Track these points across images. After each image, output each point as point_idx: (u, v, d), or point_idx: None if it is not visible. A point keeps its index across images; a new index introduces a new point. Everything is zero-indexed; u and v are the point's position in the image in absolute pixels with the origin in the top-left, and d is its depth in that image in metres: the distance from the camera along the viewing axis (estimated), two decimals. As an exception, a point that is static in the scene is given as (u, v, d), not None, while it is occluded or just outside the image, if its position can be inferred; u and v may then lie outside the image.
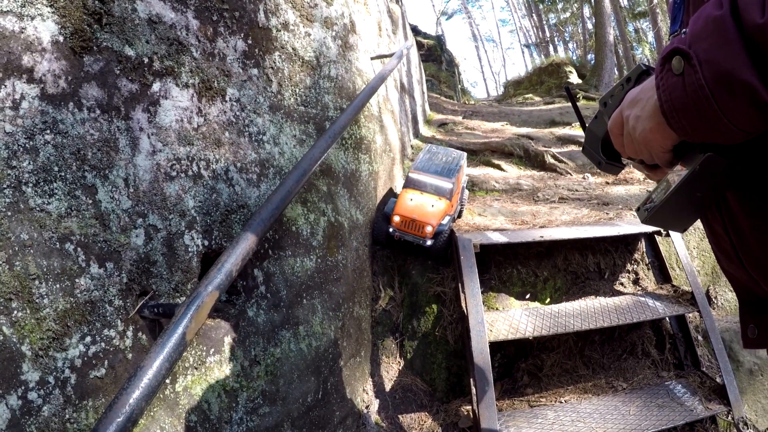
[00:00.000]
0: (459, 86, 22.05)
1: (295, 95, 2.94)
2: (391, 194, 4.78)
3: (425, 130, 9.52)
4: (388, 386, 3.64)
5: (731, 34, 0.79)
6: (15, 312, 1.38)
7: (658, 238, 4.22)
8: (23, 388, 1.37)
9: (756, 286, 1.08)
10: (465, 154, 4.77)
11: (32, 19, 1.57)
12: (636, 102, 1.04)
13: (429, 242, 3.85)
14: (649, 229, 4.03)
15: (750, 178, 0.99)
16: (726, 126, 0.83)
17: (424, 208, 3.93)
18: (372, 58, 4.53)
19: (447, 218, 3.99)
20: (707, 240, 1.25)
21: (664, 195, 1.08)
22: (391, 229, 3.93)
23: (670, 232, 4.01)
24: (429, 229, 3.82)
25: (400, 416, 3.47)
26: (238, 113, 2.44)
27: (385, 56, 4.75)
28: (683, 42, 0.87)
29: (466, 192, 5.06)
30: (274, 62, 2.78)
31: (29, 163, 1.49)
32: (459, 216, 4.87)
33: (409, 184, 4.20)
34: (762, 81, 0.76)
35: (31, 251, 1.45)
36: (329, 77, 3.38)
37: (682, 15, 1.18)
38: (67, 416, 1.48)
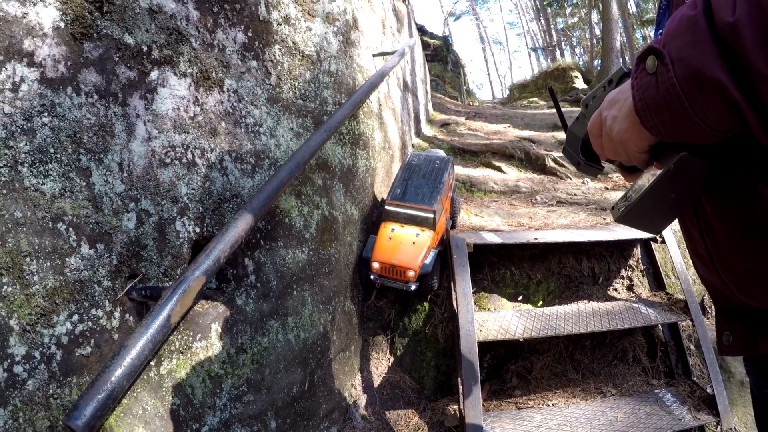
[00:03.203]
0: (464, 87, 22.03)
1: (293, 89, 2.96)
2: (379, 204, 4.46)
3: (427, 130, 9.53)
4: (376, 382, 3.66)
5: (703, 33, 0.80)
6: (5, 287, 1.41)
7: (653, 245, 4.21)
8: (9, 361, 1.40)
9: (730, 293, 1.09)
10: (450, 159, 4.39)
11: (34, 4, 1.59)
12: (614, 103, 1.05)
13: (413, 287, 3.61)
14: (645, 235, 4.02)
15: (722, 181, 1.00)
16: (697, 124, 0.84)
17: (404, 248, 3.61)
18: (374, 55, 4.54)
19: (432, 253, 3.70)
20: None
21: (638, 194, 1.09)
22: (372, 276, 3.67)
23: (666, 240, 4.01)
24: (411, 273, 3.53)
25: (387, 413, 3.48)
26: (235, 104, 2.46)
27: (388, 53, 4.76)
28: (658, 42, 0.88)
29: (458, 201, 4.80)
30: (274, 55, 2.80)
31: (26, 144, 1.52)
32: (453, 227, 4.68)
33: (387, 216, 3.89)
34: (731, 78, 0.77)
35: (24, 229, 1.48)
36: (329, 72, 3.40)
37: (666, 20, 1.19)
38: (51, 391, 1.50)
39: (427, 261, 3.62)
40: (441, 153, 4.59)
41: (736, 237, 1.00)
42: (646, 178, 1.08)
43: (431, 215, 3.75)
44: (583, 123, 1.30)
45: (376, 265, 3.60)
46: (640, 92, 0.92)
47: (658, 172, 1.04)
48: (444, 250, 3.89)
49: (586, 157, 1.35)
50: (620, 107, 1.02)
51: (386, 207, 3.86)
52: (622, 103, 1.02)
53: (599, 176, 7.13)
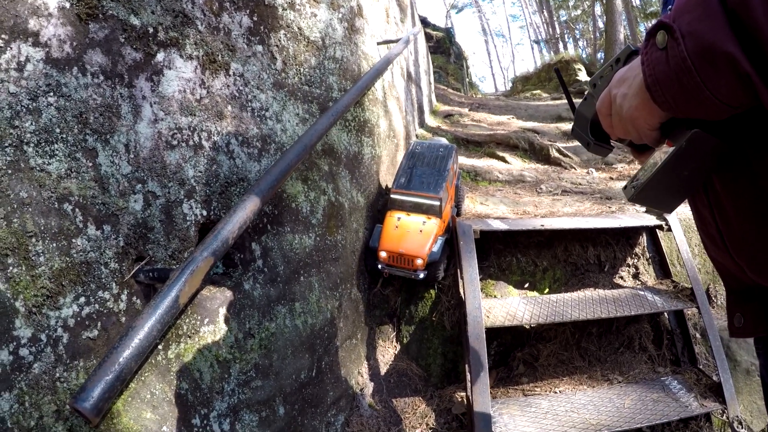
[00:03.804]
0: (467, 79, 22.03)
1: (299, 74, 2.94)
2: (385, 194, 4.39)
3: (431, 120, 9.53)
4: (383, 370, 3.65)
5: (714, 7, 0.80)
6: (10, 268, 1.39)
7: (659, 233, 4.20)
8: (15, 343, 1.38)
9: (742, 273, 1.08)
10: (454, 147, 4.28)
11: (39, -16, 1.58)
12: (623, 80, 1.06)
13: (422, 275, 3.59)
14: (651, 222, 4.01)
15: (735, 159, 1.00)
16: (709, 99, 0.84)
17: (411, 236, 3.58)
18: (378, 43, 4.53)
19: (439, 241, 3.66)
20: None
21: (651, 173, 1.09)
22: (379, 266, 3.64)
23: (672, 227, 4.00)
24: (419, 261, 3.50)
25: (393, 400, 3.48)
26: (241, 88, 2.45)
27: (392, 41, 4.75)
28: (668, 17, 0.88)
29: (462, 189, 4.76)
30: (279, 40, 2.78)
31: (31, 123, 1.50)
32: (457, 215, 4.63)
33: (393, 205, 3.82)
34: (743, 51, 0.77)
35: (30, 209, 1.46)
36: (334, 58, 3.39)
37: None
38: (58, 375, 1.49)
39: (435, 249, 3.58)
40: (444, 141, 4.50)
41: (747, 216, 1.00)
42: (658, 156, 1.08)
43: (437, 203, 3.70)
44: (591, 103, 1.31)
45: (383, 254, 3.57)
46: (651, 67, 0.93)
47: (670, 149, 1.04)
48: (451, 237, 3.86)
49: (595, 137, 1.36)
50: (630, 84, 1.03)
51: (392, 195, 3.81)
52: (631, 80, 1.02)
53: (603, 166, 7.15)
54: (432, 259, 3.56)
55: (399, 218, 3.70)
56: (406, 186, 3.82)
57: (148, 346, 1.52)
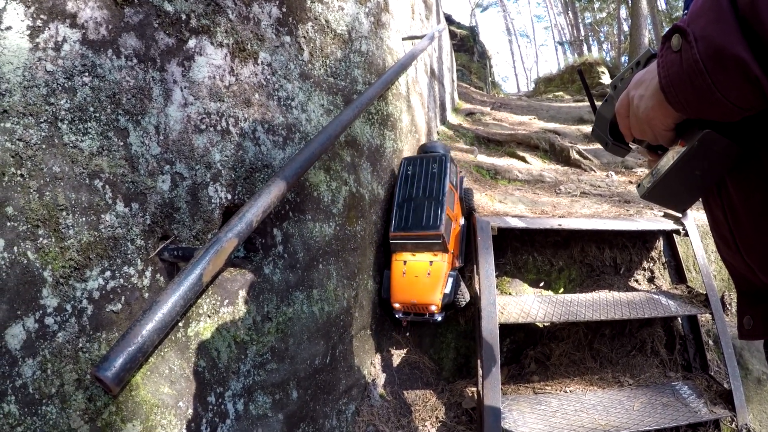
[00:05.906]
0: (489, 79, 21.99)
1: (325, 66, 2.98)
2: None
3: (453, 118, 9.52)
4: (395, 362, 3.68)
5: (725, 11, 0.83)
6: (40, 239, 1.43)
7: (676, 238, 4.20)
8: (41, 312, 1.42)
9: (752, 275, 1.10)
10: (448, 155, 3.95)
11: (79, -33, 1.62)
12: (641, 82, 1.09)
13: (439, 318, 3.44)
14: (668, 227, 4.01)
15: (747, 160, 1.02)
16: (719, 100, 0.87)
17: (421, 282, 3.41)
18: (403, 39, 4.55)
19: (450, 279, 3.46)
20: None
21: (663, 171, 1.12)
22: (396, 315, 3.54)
23: (689, 233, 3.99)
24: (434, 308, 3.34)
25: (405, 392, 3.50)
26: (268, 77, 2.49)
27: (417, 37, 4.77)
28: (683, 21, 0.92)
29: (470, 191, 4.31)
30: (307, 32, 2.82)
31: (66, 101, 1.54)
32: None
33: (396, 248, 3.62)
34: (753, 55, 0.80)
35: (61, 184, 1.50)
36: (360, 52, 3.42)
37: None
38: (81, 345, 1.52)
39: (447, 290, 3.43)
40: (439, 146, 4.19)
41: (757, 216, 1.02)
42: (671, 156, 1.11)
43: (440, 240, 3.47)
44: (611, 104, 1.34)
45: (397, 305, 3.46)
46: (665, 69, 0.96)
47: (683, 149, 1.07)
48: (461, 270, 3.82)
49: (614, 137, 1.40)
50: (647, 86, 1.06)
51: (392, 241, 3.61)
52: (648, 82, 1.06)
53: (623, 170, 7.13)
54: (446, 302, 3.41)
55: (405, 262, 3.56)
56: (404, 227, 3.61)
57: (170, 321, 1.56)
